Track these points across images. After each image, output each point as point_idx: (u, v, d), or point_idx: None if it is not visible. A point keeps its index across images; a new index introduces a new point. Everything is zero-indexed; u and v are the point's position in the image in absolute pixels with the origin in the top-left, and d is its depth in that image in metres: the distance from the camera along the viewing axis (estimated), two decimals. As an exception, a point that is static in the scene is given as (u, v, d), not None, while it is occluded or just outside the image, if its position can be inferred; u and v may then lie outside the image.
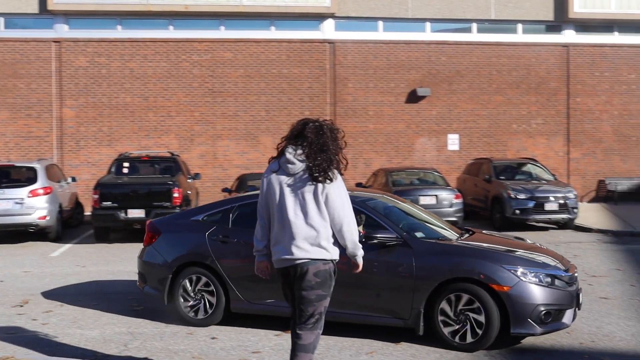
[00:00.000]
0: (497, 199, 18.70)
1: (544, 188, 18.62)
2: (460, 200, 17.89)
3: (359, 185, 20.13)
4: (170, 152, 19.56)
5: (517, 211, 18.00)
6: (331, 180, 5.20)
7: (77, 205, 19.70)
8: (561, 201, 18.07)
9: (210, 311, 8.19)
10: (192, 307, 8.24)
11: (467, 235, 8.26)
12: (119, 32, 23.41)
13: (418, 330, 7.27)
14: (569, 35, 25.57)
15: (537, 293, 6.99)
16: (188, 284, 8.27)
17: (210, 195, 22.57)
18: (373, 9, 24.31)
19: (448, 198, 17.77)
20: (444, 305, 7.16)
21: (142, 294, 9.07)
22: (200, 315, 8.21)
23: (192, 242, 8.44)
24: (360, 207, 7.77)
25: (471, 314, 7.05)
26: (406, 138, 24.54)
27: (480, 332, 7.00)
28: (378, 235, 7.43)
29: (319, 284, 5.25)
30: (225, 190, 18.40)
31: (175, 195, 15.93)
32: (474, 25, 25.15)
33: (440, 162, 24.30)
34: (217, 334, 7.86)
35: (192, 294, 8.26)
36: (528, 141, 25.20)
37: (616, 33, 25.94)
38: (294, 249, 5.21)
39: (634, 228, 17.98)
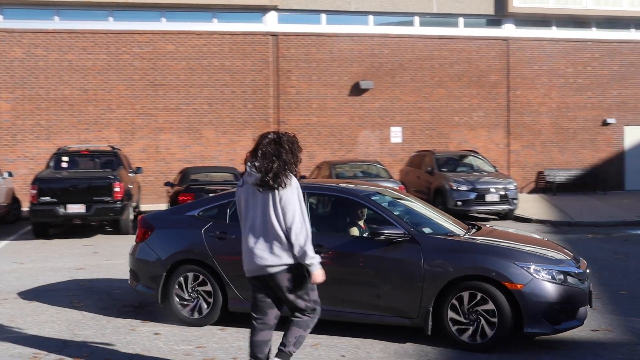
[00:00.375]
0: (439, 190, 18.92)
1: (485, 180, 18.91)
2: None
3: (302, 178, 20.05)
4: (111, 145, 19.19)
5: (459, 203, 18.25)
6: (284, 186, 5.34)
7: (14, 201, 19.16)
8: (502, 192, 18.38)
9: (206, 311, 7.84)
10: (187, 306, 7.90)
11: (474, 230, 7.98)
12: (57, 23, 22.85)
13: (426, 329, 6.99)
14: (508, 30, 26.00)
15: (550, 291, 6.74)
16: (183, 283, 7.91)
17: (152, 189, 22.31)
18: (316, 2, 24.29)
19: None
20: (453, 303, 6.90)
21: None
22: (196, 315, 7.86)
23: (188, 238, 8.05)
24: (365, 202, 7.66)
25: (483, 313, 6.79)
26: (349, 131, 24.62)
27: (492, 331, 6.76)
28: (385, 232, 7.12)
29: (295, 286, 5.48)
30: (167, 184, 18.16)
31: (117, 189, 15.64)
32: (417, 19, 25.36)
33: (384, 155, 24.46)
34: (160, 330, 7.74)
35: (187, 293, 7.90)
36: (469, 133, 25.55)
37: (554, 28, 26.49)
38: (264, 256, 5.42)
39: (572, 218, 18.40)
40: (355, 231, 7.72)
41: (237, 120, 23.67)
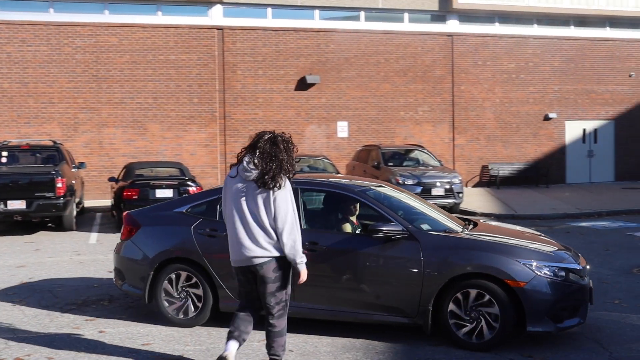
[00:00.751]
0: (386, 185, 19.00)
1: (431, 174, 19.09)
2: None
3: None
4: (52, 140, 18.75)
5: (406, 197, 18.35)
6: (280, 187, 5.66)
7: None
8: (447, 186, 18.60)
9: (196, 311, 7.58)
10: (176, 306, 7.63)
11: (471, 226, 7.82)
12: (-5, 15, 22.25)
13: (426, 329, 6.87)
14: (453, 25, 26.29)
15: (553, 288, 6.62)
16: (172, 282, 7.64)
17: (96, 184, 21.94)
18: (262, -4, 24.20)
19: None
20: (454, 302, 6.75)
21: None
22: (186, 315, 7.61)
23: (176, 236, 7.77)
24: (361, 198, 7.50)
25: (484, 311, 6.65)
26: (296, 125, 24.58)
27: (494, 330, 6.62)
28: (383, 228, 6.94)
29: (278, 278, 5.77)
30: (111, 179, 17.87)
31: (59, 185, 15.32)
32: (362, 14, 25.45)
33: (330, 149, 24.50)
34: (105, 328, 7.61)
35: (176, 293, 7.63)
36: (415, 128, 25.78)
37: (497, 24, 26.89)
38: (252, 249, 5.71)
39: (515, 211, 18.74)
40: (347, 227, 7.57)
41: (182, 114, 23.42)
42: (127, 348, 6.91)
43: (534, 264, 6.70)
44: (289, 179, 5.83)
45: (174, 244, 7.76)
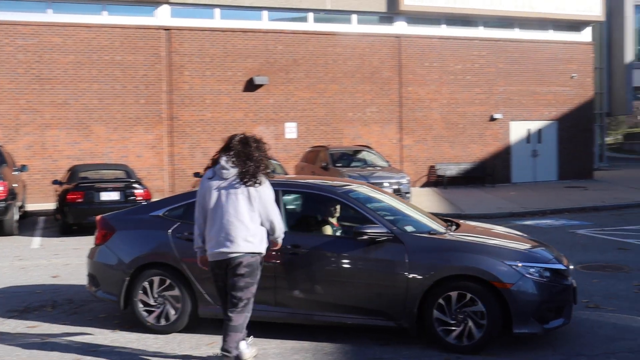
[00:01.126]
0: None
1: (379, 174, 19.20)
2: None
3: (196, 175, 19.81)
4: (-7, 142, 18.33)
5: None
6: (260, 183, 6.10)
7: None
8: (395, 187, 18.72)
9: (174, 317, 7.36)
10: (153, 313, 7.41)
11: (454, 227, 7.74)
12: None
13: (412, 331, 6.81)
14: (400, 27, 26.50)
15: (539, 289, 6.58)
16: (148, 287, 7.42)
17: (39, 188, 21.45)
18: (209, -4, 24.01)
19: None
20: (440, 304, 6.66)
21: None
22: (163, 322, 7.38)
23: (153, 240, 7.55)
24: (344, 199, 7.37)
25: (471, 314, 6.58)
26: (244, 127, 24.43)
27: (480, 332, 6.56)
28: (368, 231, 6.84)
29: (248, 273, 6.07)
30: (55, 182, 17.49)
31: (0, 189, 14.96)
32: (310, 15, 25.47)
33: (279, 151, 24.44)
34: (48, 335, 7.43)
35: (153, 298, 7.40)
36: (363, 129, 25.89)
37: (444, 26, 27.21)
38: (229, 244, 6.02)
39: (462, 210, 18.95)
40: (328, 229, 7.48)
41: (128, 116, 23.07)
42: (71, 355, 6.76)
43: (520, 265, 6.67)
44: (269, 179, 6.26)
45: (150, 249, 7.56)
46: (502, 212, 18.57)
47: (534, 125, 28.40)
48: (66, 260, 12.31)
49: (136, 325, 7.54)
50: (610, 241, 13.66)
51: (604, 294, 9.05)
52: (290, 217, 7.45)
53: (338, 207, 7.55)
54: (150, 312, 7.44)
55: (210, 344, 7.01)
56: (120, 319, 7.84)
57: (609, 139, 70.82)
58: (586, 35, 29.76)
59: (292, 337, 7.21)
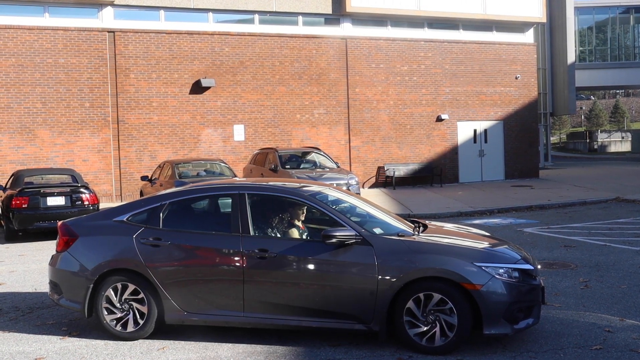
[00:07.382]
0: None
1: (328, 176, 19.24)
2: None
3: (144, 178, 19.60)
4: None
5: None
6: None
7: None
8: (344, 188, 18.74)
9: (140, 323, 7.20)
10: (118, 319, 7.24)
11: (423, 228, 7.66)
12: None
13: (381, 335, 6.70)
14: (346, 29, 26.64)
15: (509, 290, 6.54)
16: (113, 294, 7.25)
17: (-19, 194, 20.92)
18: (154, -2, 23.78)
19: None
20: (410, 306, 6.59)
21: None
22: (130, 328, 7.21)
23: (117, 246, 7.35)
24: (311, 202, 7.24)
25: (441, 315, 6.54)
26: (192, 129, 24.29)
27: (451, 334, 6.52)
28: (336, 234, 6.74)
29: None
30: (-2, 188, 17.13)
31: (-60, 195, 14.58)
32: (256, 17, 25.42)
33: (227, 153, 24.34)
34: (-7, 343, 7.27)
35: (118, 305, 7.24)
36: (311, 130, 25.94)
37: (390, 27, 27.44)
38: None
39: (411, 210, 19.12)
40: (295, 233, 7.37)
41: (73, 119, 22.69)
42: (17, 363, 6.63)
43: (490, 266, 6.64)
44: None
45: (114, 255, 7.34)
46: (451, 212, 18.80)
47: (481, 126, 28.86)
48: (11, 267, 12.04)
49: (85, 331, 7.44)
50: (556, 239, 13.93)
51: (551, 291, 9.21)
52: (256, 221, 7.37)
53: (305, 209, 7.48)
54: (115, 320, 7.30)
55: (162, 348, 6.94)
56: (68, 326, 7.71)
57: (553, 139, 72.36)
58: (529, 36, 30.38)
59: (244, 340, 7.18)
